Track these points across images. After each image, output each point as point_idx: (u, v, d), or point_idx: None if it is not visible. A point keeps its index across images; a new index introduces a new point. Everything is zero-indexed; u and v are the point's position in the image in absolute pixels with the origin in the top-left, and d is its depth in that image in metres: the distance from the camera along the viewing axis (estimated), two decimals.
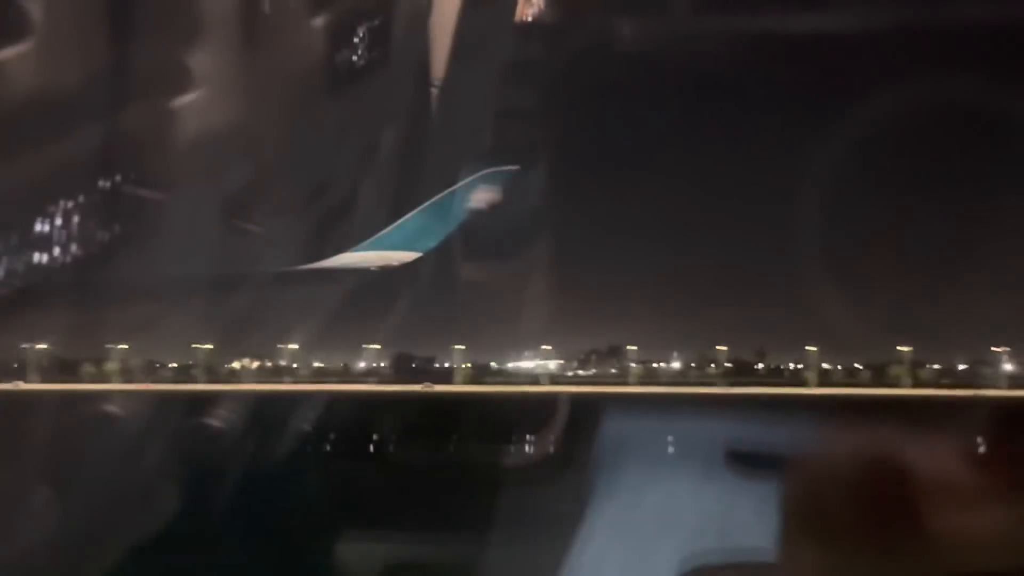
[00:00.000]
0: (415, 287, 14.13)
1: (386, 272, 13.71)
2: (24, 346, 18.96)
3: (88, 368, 21.18)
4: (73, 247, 9.42)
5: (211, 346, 21.28)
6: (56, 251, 9.36)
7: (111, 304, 9.78)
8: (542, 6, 10.42)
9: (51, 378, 19.98)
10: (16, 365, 19.65)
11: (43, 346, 18.82)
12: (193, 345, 21.24)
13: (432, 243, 13.25)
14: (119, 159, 9.08)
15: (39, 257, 9.38)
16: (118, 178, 9.36)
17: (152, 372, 21.60)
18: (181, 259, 9.74)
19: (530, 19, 10.40)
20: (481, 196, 12.61)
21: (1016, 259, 17.04)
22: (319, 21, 9.20)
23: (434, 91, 9.74)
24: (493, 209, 12.47)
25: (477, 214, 12.59)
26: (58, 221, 9.40)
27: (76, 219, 9.44)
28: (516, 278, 12.07)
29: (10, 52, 7.56)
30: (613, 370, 23.44)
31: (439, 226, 13.07)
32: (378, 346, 22.87)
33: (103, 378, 20.85)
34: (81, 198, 9.41)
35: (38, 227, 9.40)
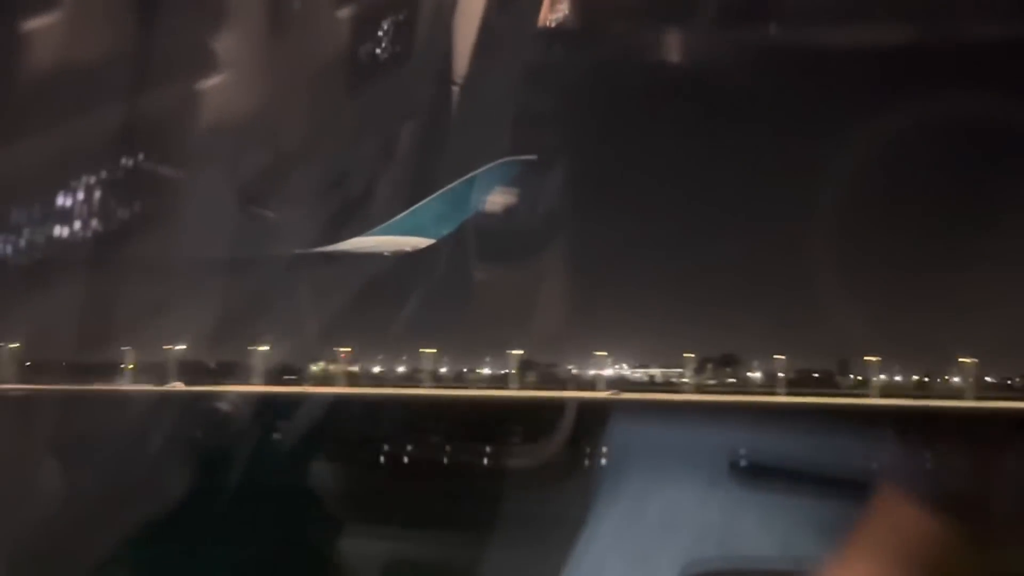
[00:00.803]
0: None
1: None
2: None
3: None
4: (92, 224, 9.52)
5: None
6: (75, 227, 9.46)
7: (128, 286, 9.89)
8: (566, 10, 10.41)
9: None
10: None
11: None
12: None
13: (447, 230, 13.27)
14: (138, 139, 9.15)
15: (58, 231, 9.49)
16: (138, 157, 9.44)
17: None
18: (199, 242, 9.84)
19: (554, 23, 10.40)
20: (498, 187, 12.61)
21: None
22: (344, 12, 9.23)
23: (455, 88, 9.78)
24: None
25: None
26: (76, 198, 9.49)
27: (94, 196, 9.53)
28: (534, 279, 12.07)
29: (36, 27, 7.63)
30: (730, 379, 23.13)
31: (454, 213, 13.08)
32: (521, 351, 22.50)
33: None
34: (100, 176, 9.50)
35: (57, 202, 9.50)
